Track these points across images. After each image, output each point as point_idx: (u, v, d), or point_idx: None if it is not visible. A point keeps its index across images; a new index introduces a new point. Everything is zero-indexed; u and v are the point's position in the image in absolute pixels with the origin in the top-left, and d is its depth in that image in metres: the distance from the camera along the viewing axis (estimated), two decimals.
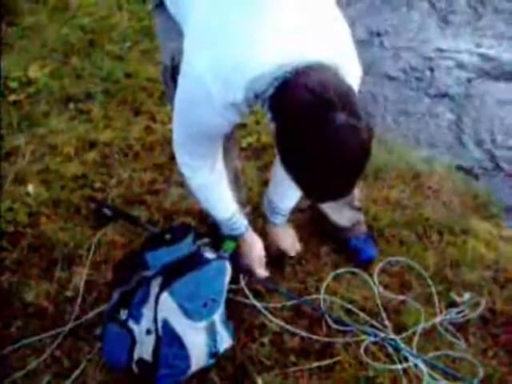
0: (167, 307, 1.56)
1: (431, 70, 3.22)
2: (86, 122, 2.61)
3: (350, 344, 1.78)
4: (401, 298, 1.91)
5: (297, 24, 1.30)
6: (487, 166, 2.62)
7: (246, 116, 1.45)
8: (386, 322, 1.84)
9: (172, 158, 1.78)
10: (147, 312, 1.59)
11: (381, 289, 1.94)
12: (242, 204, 1.97)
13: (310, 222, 2.14)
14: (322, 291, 1.91)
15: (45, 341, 1.75)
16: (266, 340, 1.78)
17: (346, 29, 1.41)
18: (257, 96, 1.30)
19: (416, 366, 1.72)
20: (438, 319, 1.85)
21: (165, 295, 1.55)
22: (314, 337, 1.79)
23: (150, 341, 1.59)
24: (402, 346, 1.77)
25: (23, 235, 2.06)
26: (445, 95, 3.04)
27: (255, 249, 1.85)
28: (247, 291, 1.87)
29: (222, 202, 1.75)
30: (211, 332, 1.64)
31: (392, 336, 1.80)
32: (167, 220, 2.14)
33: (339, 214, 2.03)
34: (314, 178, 1.24)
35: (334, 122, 1.15)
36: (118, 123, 2.59)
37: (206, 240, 1.74)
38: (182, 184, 2.10)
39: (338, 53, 1.32)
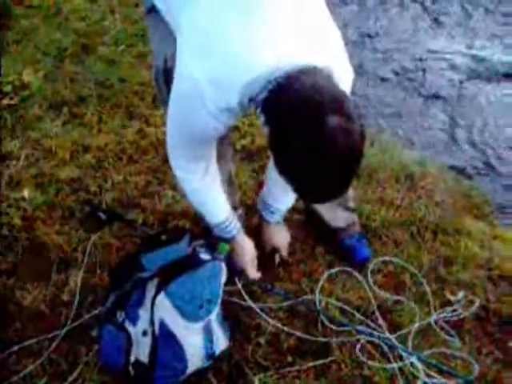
0: (164, 308, 1.56)
1: (423, 71, 3.24)
2: (79, 125, 2.61)
3: (346, 344, 1.78)
4: (395, 297, 1.93)
5: (291, 28, 1.31)
6: (480, 166, 2.64)
7: (240, 118, 1.45)
8: (381, 322, 1.85)
9: (166, 160, 1.78)
10: (143, 314, 1.59)
11: (375, 289, 1.95)
12: (235, 207, 1.98)
13: (304, 223, 2.15)
14: (317, 292, 1.92)
15: (42, 344, 1.75)
16: (262, 340, 1.78)
17: (337, 31, 1.43)
18: (251, 99, 1.31)
19: (412, 364, 1.73)
20: (432, 318, 1.86)
21: (161, 296, 1.55)
22: (310, 337, 1.80)
23: (147, 342, 1.59)
24: (398, 344, 1.78)
25: (18, 239, 2.06)
26: (437, 96, 3.06)
27: (247, 250, 1.86)
28: (243, 292, 1.88)
29: (216, 207, 1.76)
30: (208, 333, 1.64)
31: (387, 335, 1.81)
32: (162, 222, 2.15)
33: (334, 214, 2.05)
34: (308, 180, 1.25)
35: (327, 124, 1.16)
36: (111, 127, 2.60)
37: (201, 241, 1.74)
38: (176, 187, 2.11)
39: (330, 56, 1.33)
